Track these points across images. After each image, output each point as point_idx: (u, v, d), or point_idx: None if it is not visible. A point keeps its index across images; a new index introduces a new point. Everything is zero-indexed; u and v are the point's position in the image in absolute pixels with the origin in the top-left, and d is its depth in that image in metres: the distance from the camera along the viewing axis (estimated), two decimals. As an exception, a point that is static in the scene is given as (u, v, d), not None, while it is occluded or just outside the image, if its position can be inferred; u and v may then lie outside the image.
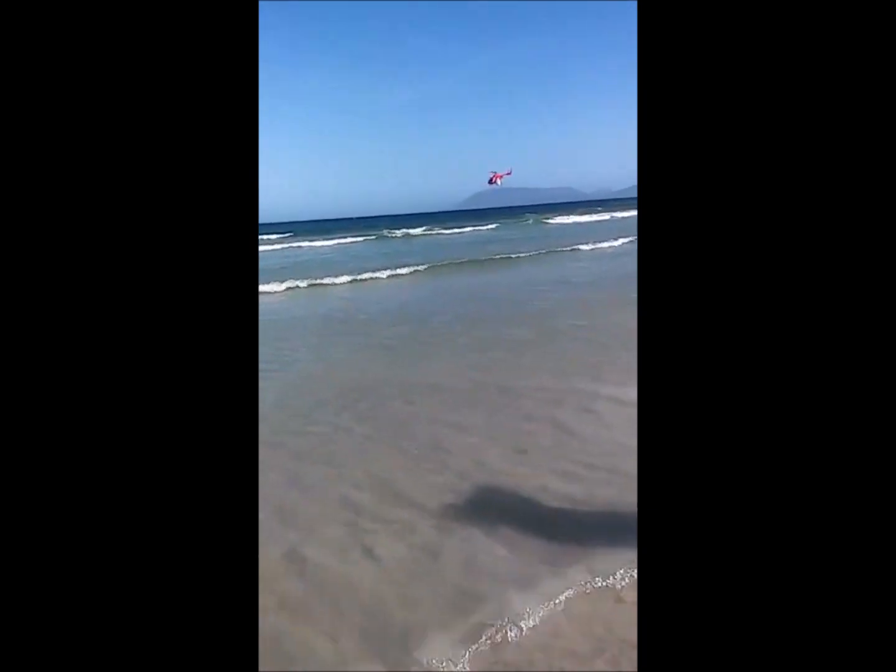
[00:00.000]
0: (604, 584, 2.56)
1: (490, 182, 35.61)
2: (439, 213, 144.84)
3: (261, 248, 35.39)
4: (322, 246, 35.79)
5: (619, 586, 2.53)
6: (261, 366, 4.77)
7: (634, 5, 1.28)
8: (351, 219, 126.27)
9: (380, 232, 42.90)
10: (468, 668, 2.18)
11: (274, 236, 48.47)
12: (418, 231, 42.92)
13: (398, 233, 41.88)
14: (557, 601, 2.48)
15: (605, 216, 43.62)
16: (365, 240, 38.17)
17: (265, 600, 2.40)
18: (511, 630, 2.34)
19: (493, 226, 45.39)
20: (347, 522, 3.28)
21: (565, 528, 3.04)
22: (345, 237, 39.50)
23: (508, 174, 36.18)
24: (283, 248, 34.78)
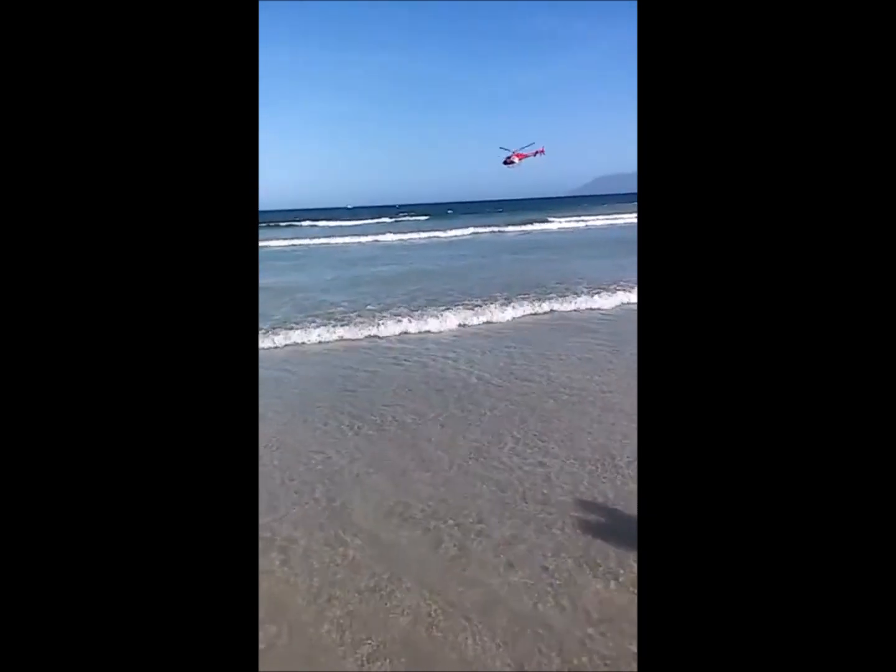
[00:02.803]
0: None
1: (506, 163, 30.00)
2: (562, 198, 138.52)
3: (416, 235, 32.30)
4: (481, 233, 32.07)
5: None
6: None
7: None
8: (477, 202, 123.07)
9: (528, 219, 38.70)
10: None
11: (423, 218, 48.13)
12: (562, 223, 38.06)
13: (540, 225, 37.11)
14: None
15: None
16: (519, 231, 34.13)
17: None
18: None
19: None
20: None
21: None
22: (506, 225, 35.48)
23: (540, 152, 29.63)
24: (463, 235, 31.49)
